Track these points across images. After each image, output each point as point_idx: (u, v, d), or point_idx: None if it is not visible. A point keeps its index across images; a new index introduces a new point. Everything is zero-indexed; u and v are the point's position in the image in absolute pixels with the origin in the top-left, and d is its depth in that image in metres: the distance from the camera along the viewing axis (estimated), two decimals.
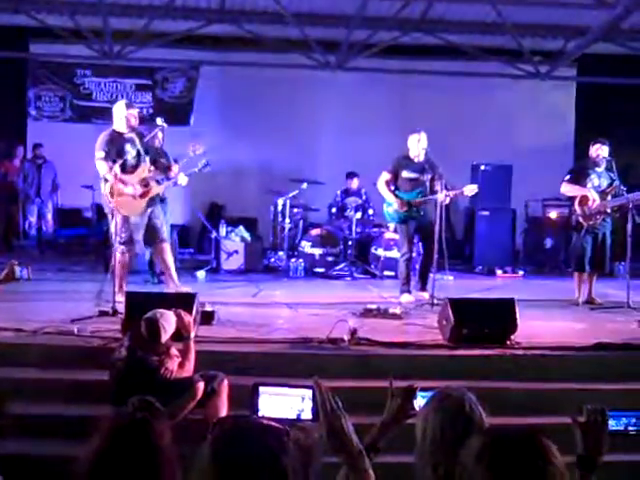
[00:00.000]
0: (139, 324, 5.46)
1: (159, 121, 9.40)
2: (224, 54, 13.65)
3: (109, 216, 8.09)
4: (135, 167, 8.07)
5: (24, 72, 13.76)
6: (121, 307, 6.95)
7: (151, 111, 13.80)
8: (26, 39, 13.45)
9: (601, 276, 9.55)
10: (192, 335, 5.64)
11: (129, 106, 8.22)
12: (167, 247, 8.41)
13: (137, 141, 8.14)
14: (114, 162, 7.79)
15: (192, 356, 5.56)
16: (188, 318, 5.68)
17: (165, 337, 5.43)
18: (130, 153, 8.04)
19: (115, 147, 7.96)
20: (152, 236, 8.20)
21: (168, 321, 5.48)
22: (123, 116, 8.11)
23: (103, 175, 7.92)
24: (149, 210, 8.14)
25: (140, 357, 5.34)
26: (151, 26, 11.56)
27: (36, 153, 13.31)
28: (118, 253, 7.92)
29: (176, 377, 5.38)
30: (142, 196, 7.99)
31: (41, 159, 13.23)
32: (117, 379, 5.36)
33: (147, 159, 8.18)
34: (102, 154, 7.90)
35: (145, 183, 8.03)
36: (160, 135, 9.82)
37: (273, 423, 2.26)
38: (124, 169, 7.93)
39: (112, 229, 7.92)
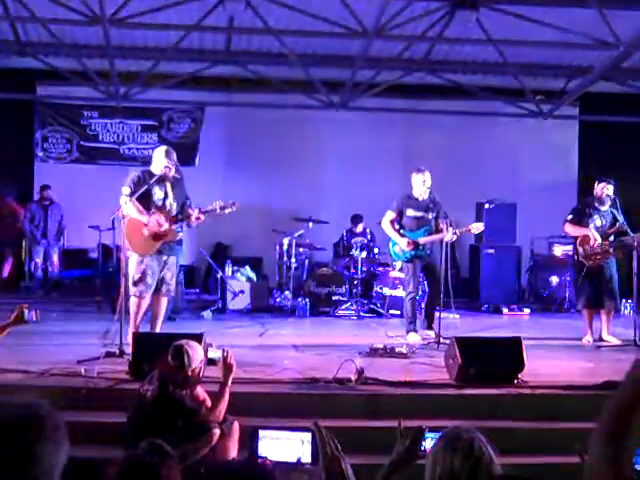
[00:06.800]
0: (166, 358, 5.34)
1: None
2: (229, 95, 13.80)
3: (124, 255, 7.93)
4: (159, 208, 8.02)
5: (31, 114, 13.85)
6: (128, 348, 6.96)
7: None
8: (33, 81, 13.60)
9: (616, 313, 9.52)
10: (229, 382, 5.46)
11: (168, 154, 8.11)
12: (165, 301, 8.26)
13: (168, 185, 8.07)
14: (139, 201, 7.78)
15: (224, 402, 5.40)
16: (232, 362, 5.51)
17: (192, 365, 5.29)
18: (157, 195, 7.97)
19: (142, 186, 7.85)
20: (158, 285, 8.08)
21: (195, 349, 5.37)
22: (160, 162, 8.04)
23: (124, 211, 7.81)
24: (164, 257, 8.04)
25: (171, 392, 5.24)
26: (157, 68, 11.69)
27: (43, 194, 13.31)
28: (133, 296, 7.86)
29: (201, 419, 5.30)
30: (156, 238, 7.94)
31: (48, 200, 13.26)
32: (141, 413, 5.24)
33: (174, 205, 8.09)
34: (127, 190, 7.85)
35: (162, 226, 7.91)
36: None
37: (266, 463, 2.26)
38: (149, 208, 7.91)
39: (130, 270, 7.87)
